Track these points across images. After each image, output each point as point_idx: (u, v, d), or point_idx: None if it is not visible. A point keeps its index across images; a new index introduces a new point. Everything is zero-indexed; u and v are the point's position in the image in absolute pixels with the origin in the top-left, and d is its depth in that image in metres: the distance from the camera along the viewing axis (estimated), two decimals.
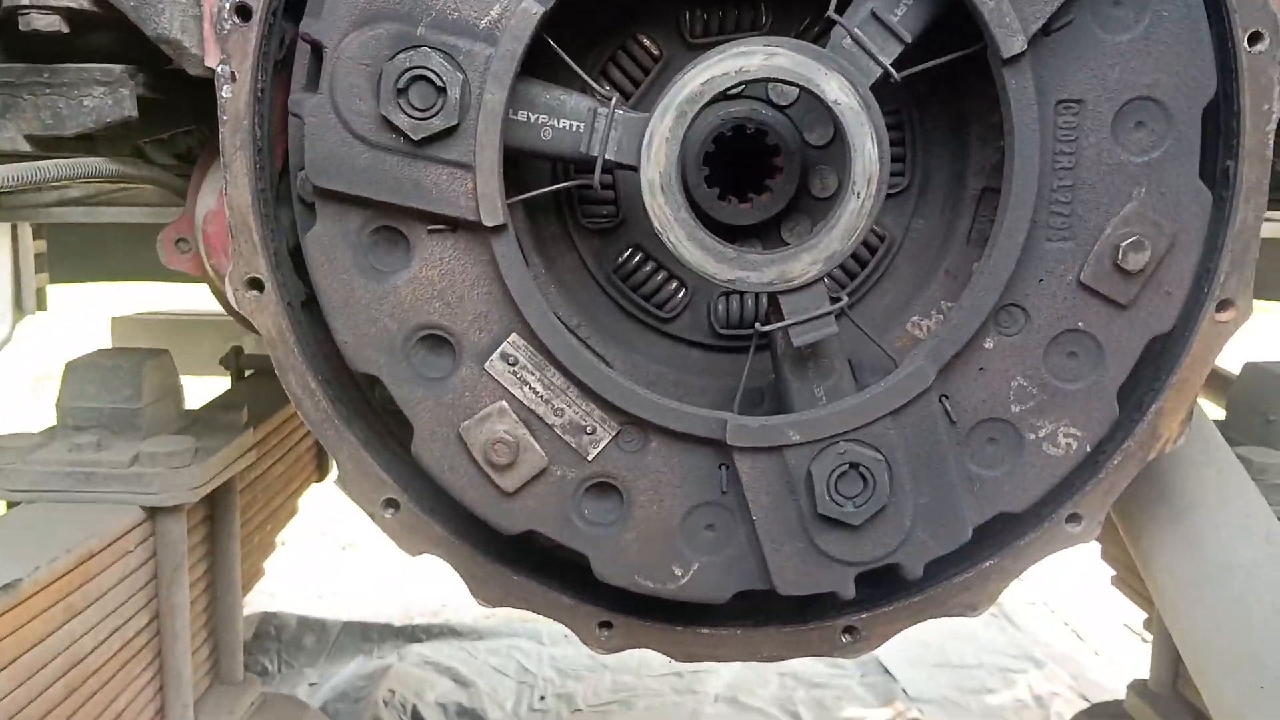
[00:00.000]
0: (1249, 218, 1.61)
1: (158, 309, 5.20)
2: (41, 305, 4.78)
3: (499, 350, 1.58)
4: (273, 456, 2.96)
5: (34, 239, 4.34)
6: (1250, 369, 2.56)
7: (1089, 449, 1.64)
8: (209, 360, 3.50)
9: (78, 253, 4.55)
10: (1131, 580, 3.06)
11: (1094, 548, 3.17)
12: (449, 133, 1.49)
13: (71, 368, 2.36)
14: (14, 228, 4.06)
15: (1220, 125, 1.60)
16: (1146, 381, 1.70)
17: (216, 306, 2.63)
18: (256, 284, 1.63)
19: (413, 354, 1.59)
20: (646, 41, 1.77)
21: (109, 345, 3.83)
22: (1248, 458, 2.26)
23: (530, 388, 1.60)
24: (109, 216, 4.10)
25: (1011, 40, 1.47)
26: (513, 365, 1.59)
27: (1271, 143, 1.60)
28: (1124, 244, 1.55)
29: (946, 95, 1.76)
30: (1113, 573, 3.14)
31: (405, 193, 1.51)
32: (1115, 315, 1.59)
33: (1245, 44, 1.55)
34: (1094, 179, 1.55)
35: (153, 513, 2.25)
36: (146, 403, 2.33)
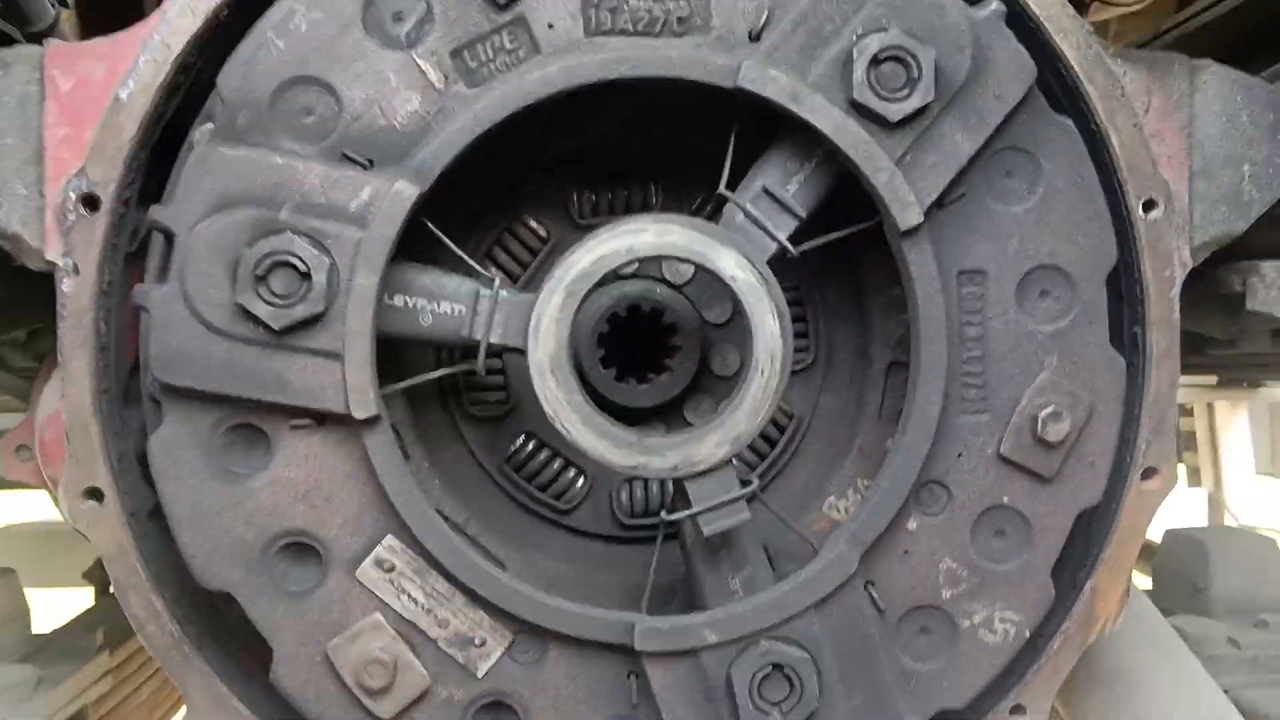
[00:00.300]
0: (1163, 385, 1.56)
1: (22, 519, 4.85)
2: None
3: (372, 556, 1.41)
4: (137, 679, 2.65)
5: None
6: (1171, 537, 2.51)
7: (1027, 634, 1.52)
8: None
9: None
10: None
11: None
12: (315, 320, 1.36)
13: None
14: None
15: (1124, 291, 1.57)
16: (1078, 557, 1.60)
17: None
18: (95, 494, 1.44)
19: (273, 566, 1.41)
20: (534, 223, 1.70)
21: None
22: (1183, 629, 2.17)
23: (409, 596, 1.42)
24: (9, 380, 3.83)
25: (907, 213, 1.43)
26: (389, 572, 1.41)
27: (1177, 308, 1.57)
28: (1042, 415, 1.48)
29: (846, 269, 1.72)
30: None
31: (266, 387, 1.37)
32: (1040, 489, 1.51)
33: (1140, 211, 1.54)
34: (1004, 350, 1.49)
35: None
36: None
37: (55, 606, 2.66)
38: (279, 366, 1.37)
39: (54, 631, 2.39)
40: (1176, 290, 1.57)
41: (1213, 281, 1.75)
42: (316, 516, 1.40)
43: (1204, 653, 2.15)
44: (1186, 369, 1.69)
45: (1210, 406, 5.44)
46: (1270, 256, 1.70)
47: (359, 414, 1.37)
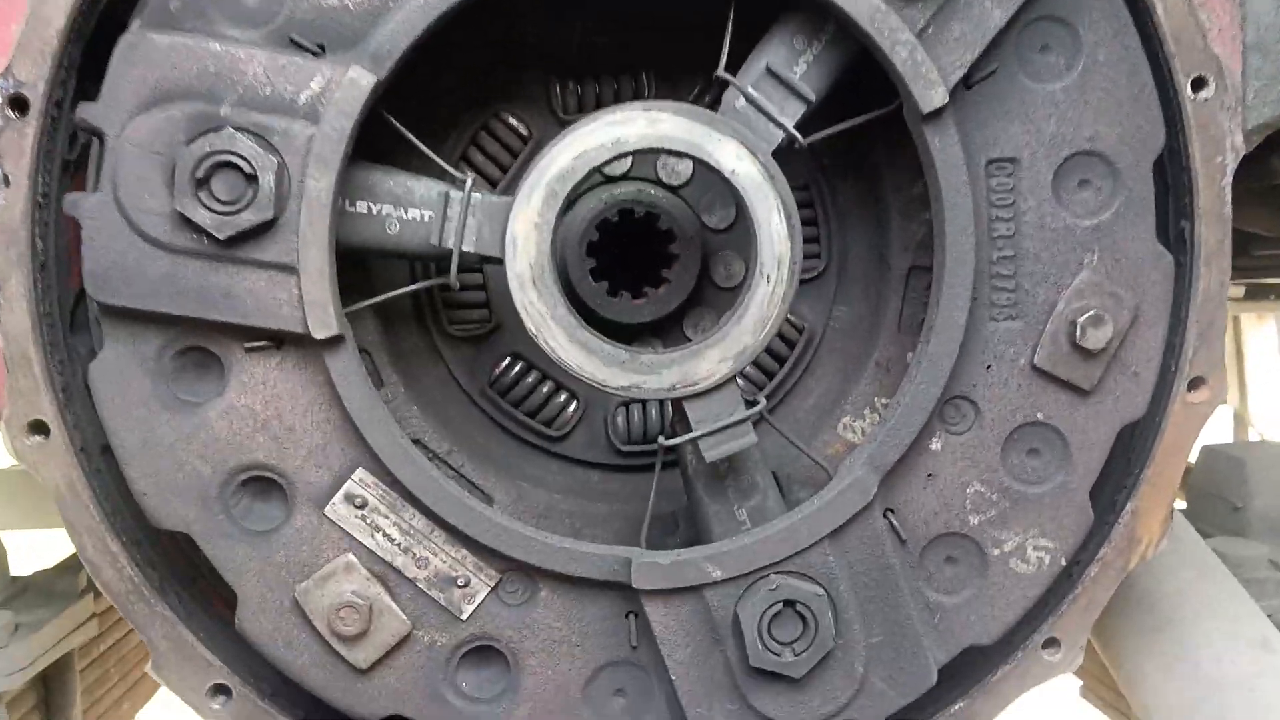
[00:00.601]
0: (1212, 284, 1.40)
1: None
2: None
3: (342, 490, 1.28)
4: (125, 625, 2.55)
5: None
6: (1208, 453, 2.36)
7: (1063, 563, 1.39)
8: None
9: None
10: (1102, 691, 2.79)
11: None
12: (264, 229, 1.21)
13: None
14: None
15: (1170, 181, 1.40)
16: (1117, 477, 1.46)
17: None
18: (40, 428, 1.31)
19: (232, 503, 1.28)
20: (512, 120, 1.53)
21: None
22: (1222, 551, 2.04)
23: (384, 534, 1.29)
24: None
25: (930, 93, 1.26)
26: (360, 508, 1.28)
27: (1229, 199, 1.40)
28: (1081, 319, 1.33)
29: (861, 164, 1.55)
30: (1079, 683, 2.86)
31: (213, 305, 1.23)
32: (1078, 403, 1.36)
33: (1188, 91, 1.37)
34: (1038, 247, 1.34)
35: None
36: None
37: (39, 550, 2.56)
38: (227, 281, 1.23)
39: (34, 574, 2.29)
40: (1228, 179, 1.40)
41: (1263, 170, 1.58)
42: (278, 448, 1.27)
43: (1244, 575, 2.02)
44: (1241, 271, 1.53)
45: (1235, 320, 5.26)
46: None
47: (319, 333, 1.23)
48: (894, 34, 1.25)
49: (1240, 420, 5.43)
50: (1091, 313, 1.32)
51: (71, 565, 2.39)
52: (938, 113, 1.27)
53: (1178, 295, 1.40)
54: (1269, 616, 1.99)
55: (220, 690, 1.36)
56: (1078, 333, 1.33)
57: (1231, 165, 1.41)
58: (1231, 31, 1.43)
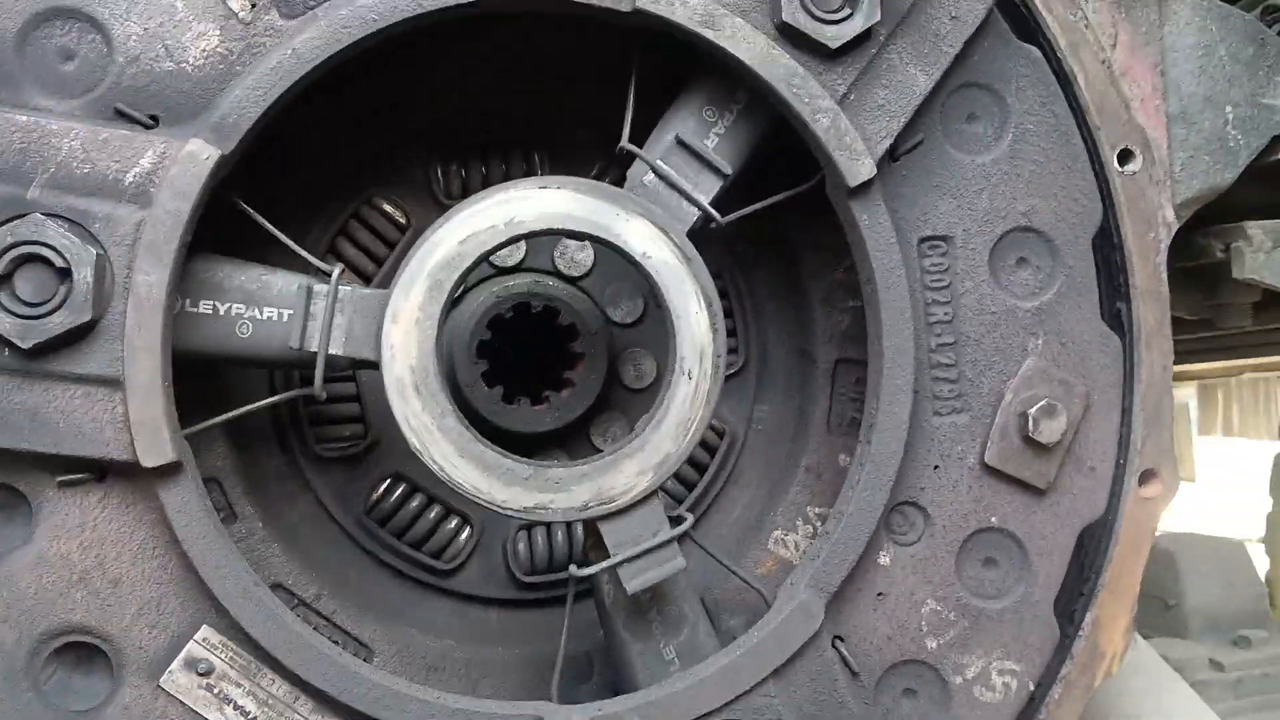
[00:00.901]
0: (1155, 368, 1.30)
1: None
2: None
3: (182, 655, 1.05)
4: None
5: None
6: None
7: (1031, 687, 1.24)
8: None
9: None
10: None
11: None
12: (81, 334, 1.00)
13: None
14: None
15: (1101, 261, 1.31)
16: (1071, 586, 1.32)
17: None
18: None
19: (43, 677, 1.03)
20: (388, 207, 1.36)
21: None
22: (1162, 653, 1.93)
23: (236, 707, 1.04)
24: None
25: (856, 165, 1.14)
26: (205, 675, 1.04)
27: (1165, 276, 1.32)
28: (1033, 410, 1.21)
29: (778, 250, 1.43)
30: None
31: (17, 431, 1.00)
32: (1034, 504, 1.23)
33: (1116, 164, 1.30)
34: (979, 332, 1.22)
35: None
36: None
37: None
38: (34, 401, 1.00)
39: None
40: (1163, 256, 1.33)
41: (1190, 250, 1.52)
42: (101, 606, 1.03)
43: (1188, 678, 1.92)
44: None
45: None
46: (1255, 216, 1.48)
47: (150, 461, 1.00)
48: (814, 101, 1.13)
49: None
50: (1043, 403, 1.20)
51: None
52: (865, 186, 1.15)
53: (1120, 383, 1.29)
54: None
55: None
56: (1030, 425, 1.20)
57: (1165, 241, 1.33)
58: (1155, 101, 1.38)
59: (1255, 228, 1.47)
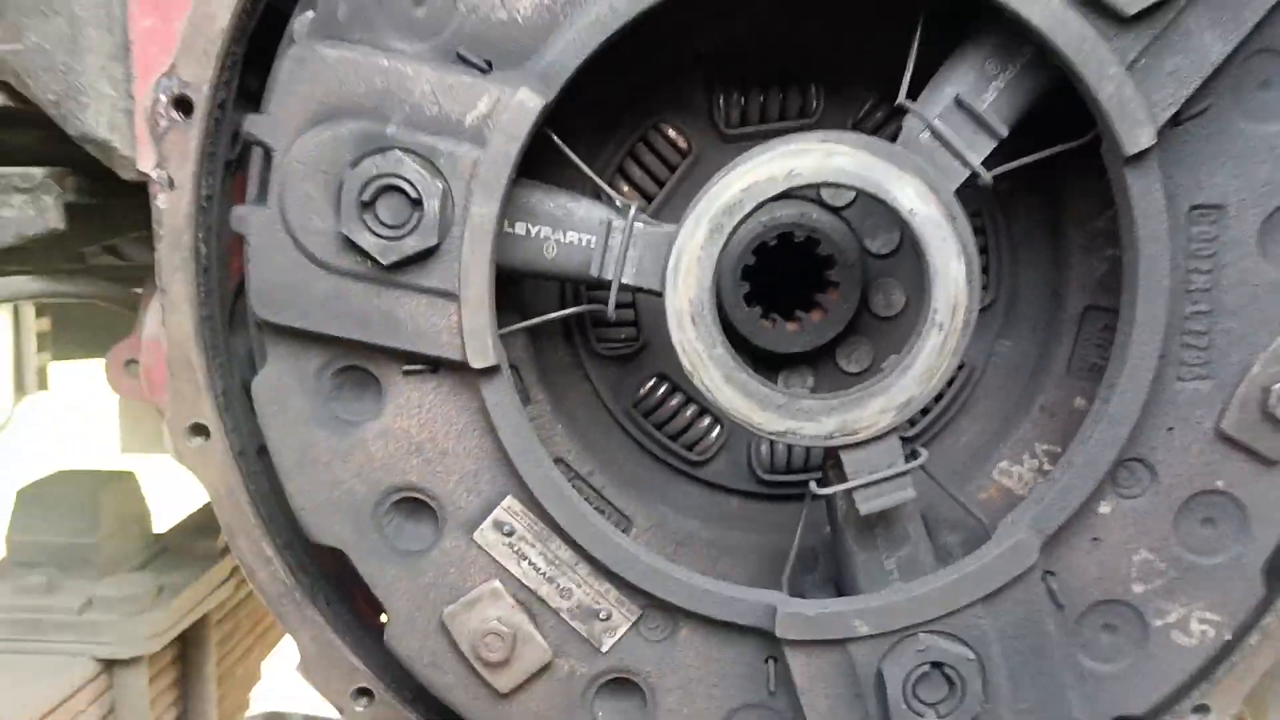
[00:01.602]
0: None
1: None
2: (43, 385, 4.56)
3: (491, 517, 1.28)
4: None
5: (37, 317, 4.16)
6: None
7: (1228, 637, 1.31)
8: None
9: (83, 329, 4.37)
10: None
11: None
12: (427, 255, 1.19)
13: (21, 495, 2.09)
14: (16, 308, 3.88)
15: None
16: None
17: None
18: (200, 430, 1.34)
19: (385, 523, 1.29)
20: (672, 133, 1.47)
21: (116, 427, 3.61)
22: None
23: (530, 563, 1.28)
24: (115, 290, 3.88)
25: (1137, 133, 1.16)
26: (508, 536, 1.28)
27: None
28: (1277, 386, 1.22)
29: (1041, 195, 1.45)
30: None
31: (374, 328, 1.22)
32: (1262, 473, 1.27)
33: None
34: (1237, 303, 1.24)
35: (109, 665, 1.95)
36: (103, 535, 2.05)
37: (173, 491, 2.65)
38: (388, 305, 1.22)
39: (173, 530, 2.38)
40: None
41: None
42: (431, 472, 1.27)
43: None
44: None
45: None
46: None
47: (476, 362, 1.22)
48: (1102, 66, 1.15)
49: None
50: None
51: (207, 525, 2.48)
52: (1142, 154, 1.17)
53: None
54: None
55: (363, 693, 1.39)
56: (1272, 400, 1.23)
57: None
58: None
59: None
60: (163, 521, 2.39)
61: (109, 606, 1.93)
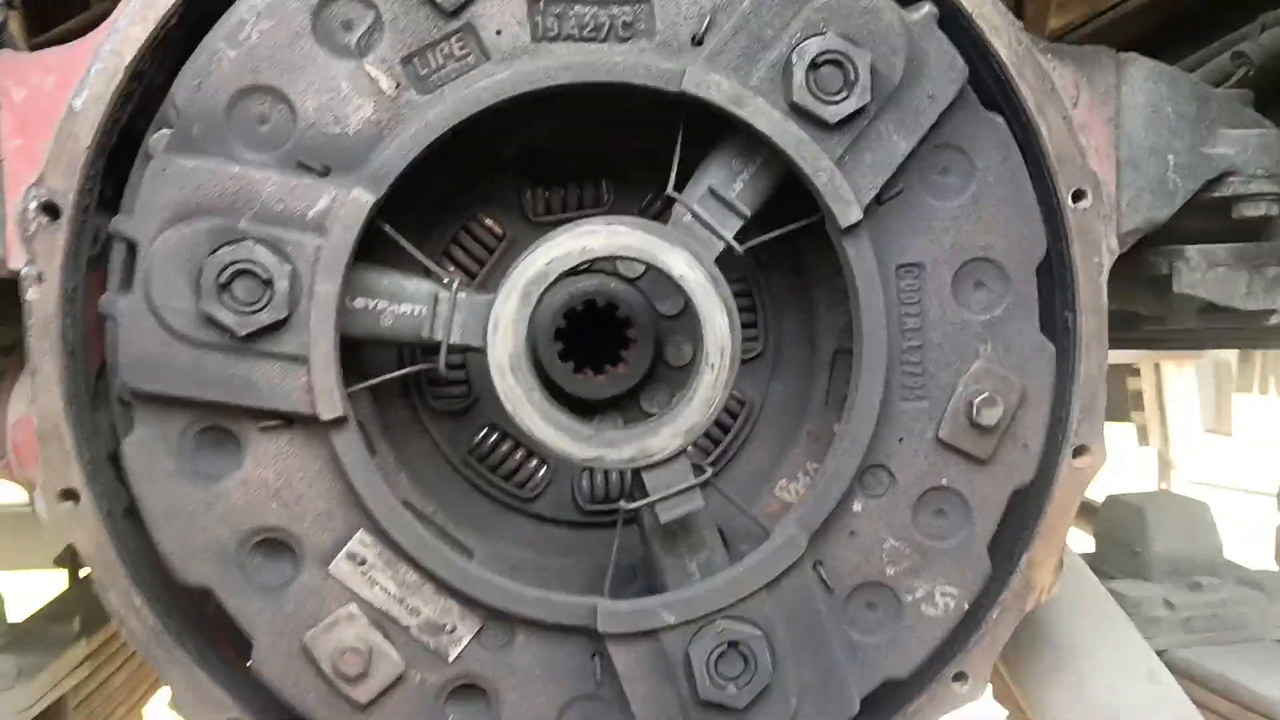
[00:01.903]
0: (1093, 367, 1.64)
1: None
2: None
3: (345, 550, 1.47)
4: (113, 663, 2.69)
5: None
6: (1110, 503, 2.62)
7: (966, 606, 1.61)
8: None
9: None
10: None
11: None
12: (278, 326, 1.40)
13: None
14: None
15: (1055, 278, 1.65)
16: (1014, 532, 1.68)
17: None
18: (71, 495, 1.49)
19: (248, 562, 1.46)
20: (489, 221, 1.74)
21: None
22: (1121, 592, 2.28)
23: (381, 588, 1.48)
24: None
25: (848, 210, 1.49)
26: (361, 565, 1.47)
27: (1105, 294, 1.64)
28: (977, 400, 1.56)
29: (792, 261, 1.78)
30: (1005, 713, 3.09)
31: (234, 390, 1.42)
32: (977, 471, 1.59)
33: (1070, 202, 1.61)
34: (941, 338, 1.57)
35: None
36: None
37: (28, 590, 2.69)
38: (245, 371, 1.42)
39: (29, 619, 2.43)
40: (1104, 277, 1.64)
41: (1141, 264, 1.83)
42: (288, 514, 1.46)
43: (1141, 614, 2.27)
44: (1124, 343, 1.77)
45: (1157, 367, 5.60)
46: (1195, 241, 1.78)
47: (325, 415, 1.42)
48: (816, 161, 1.48)
49: (1164, 461, 5.75)
50: (985, 394, 1.55)
51: (62, 610, 2.53)
52: (854, 227, 1.50)
53: (1063, 374, 1.63)
54: (1164, 651, 2.24)
55: None
56: (974, 411, 1.55)
57: (1107, 264, 1.65)
58: (1107, 151, 1.68)
59: (1193, 250, 1.78)
60: (15, 613, 2.43)
61: None
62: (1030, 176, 1.58)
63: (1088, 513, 2.96)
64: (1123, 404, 5.39)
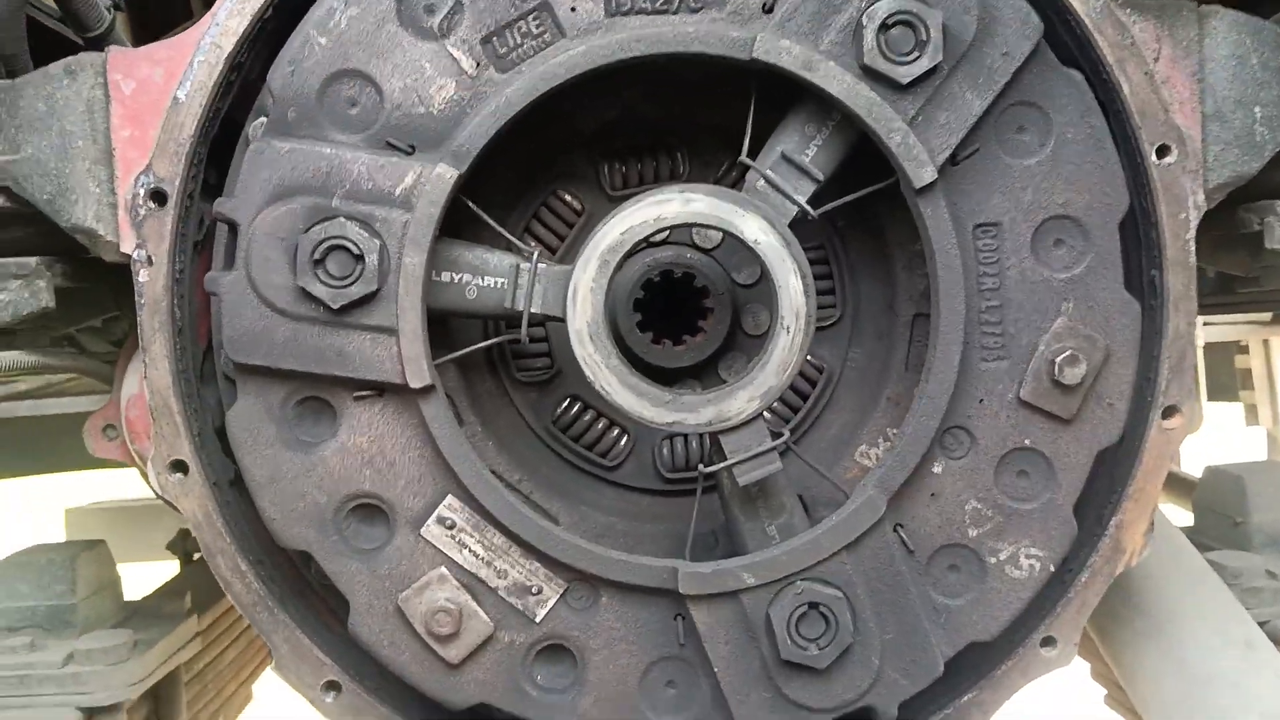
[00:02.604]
0: (1180, 325, 1.61)
1: (112, 496, 5.11)
2: None
3: (435, 514, 1.53)
4: (223, 642, 2.82)
5: None
6: (1210, 473, 2.54)
7: (1053, 568, 1.59)
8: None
9: (22, 446, 4.50)
10: (1123, 699, 2.95)
11: (1084, 669, 3.07)
12: (369, 299, 1.47)
13: (2, 566, 2.26)
14: None
15: (1141, 236, 1.62)
16: (1103, 495, 1.66)
17: None
18: (180, 466, 1.58)
19: (344, 526, 1.53)
20: (568, 197, 1.79)
21: (62, 539, 3.73)
22: (1220, 563, 2.22)
23: (470, 551, 1.53)
24: (57, 408, 4.06)
25: (921, 171, 1.49)
26: (450, 529, 1.53)
27: (1193, 249, 1.61)
28: (1059, 359, 1.54)
29: (869, 226, 1.78)
30: (1104, 692, 3.03)
31: (328, 362, 1.48)
32: (1060, 431, 1.57)
33: (1154, 157, 1.58)
34: (1021, 298, 1.56)
35: (90, 714, 2.12)
36: (81, 597, 2.23)
37: (141, 579, 2.83)
38: (339, 342, 1.48)
39: (144, 598, 2.56)
40: (1191, 233, 1.61)
41: (1232, 221, 1.78)
42: (382, 480, 1.52)
43: (1242, 585, 2.20)
44: (1217, 308, 1.73)
45: (1266, 344, 5.37)
46: None
47: (415, 384, 1.48)
48: (889, 123, 1.48)
49: (1273, 441, 5.51)
50: (1068, 353, 1.54)
51: (175, 590, 2.67)
52: (929, 187, 1.50)
53: (1150, 335, 1.61)
54: (1266, 622, 2.17)
55: (331, 686, 1.61)
56: (1056, 370, 1.54)
57: (1194, 220, 1.62)
58: (1191, 104, 1.65)
59: None
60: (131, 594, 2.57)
61: (89, 659, 2.10)
62: (1112, 132, 1.56)
63: (1184, 488, 2.89)
64: (1230, 382, 5.19)
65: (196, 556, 3.13)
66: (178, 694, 2.43)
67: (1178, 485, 3.06)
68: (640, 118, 1.74)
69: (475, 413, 1.75)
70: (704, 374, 1.77)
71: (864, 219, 1.76)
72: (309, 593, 1.70)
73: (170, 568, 3.16)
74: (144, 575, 2.94)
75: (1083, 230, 1.55)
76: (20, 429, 4.39)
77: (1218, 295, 2.30)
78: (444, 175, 1.47)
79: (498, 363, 1.80)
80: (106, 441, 1.92)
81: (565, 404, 1.81)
